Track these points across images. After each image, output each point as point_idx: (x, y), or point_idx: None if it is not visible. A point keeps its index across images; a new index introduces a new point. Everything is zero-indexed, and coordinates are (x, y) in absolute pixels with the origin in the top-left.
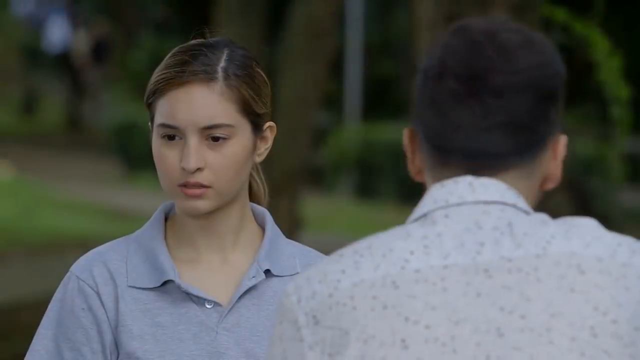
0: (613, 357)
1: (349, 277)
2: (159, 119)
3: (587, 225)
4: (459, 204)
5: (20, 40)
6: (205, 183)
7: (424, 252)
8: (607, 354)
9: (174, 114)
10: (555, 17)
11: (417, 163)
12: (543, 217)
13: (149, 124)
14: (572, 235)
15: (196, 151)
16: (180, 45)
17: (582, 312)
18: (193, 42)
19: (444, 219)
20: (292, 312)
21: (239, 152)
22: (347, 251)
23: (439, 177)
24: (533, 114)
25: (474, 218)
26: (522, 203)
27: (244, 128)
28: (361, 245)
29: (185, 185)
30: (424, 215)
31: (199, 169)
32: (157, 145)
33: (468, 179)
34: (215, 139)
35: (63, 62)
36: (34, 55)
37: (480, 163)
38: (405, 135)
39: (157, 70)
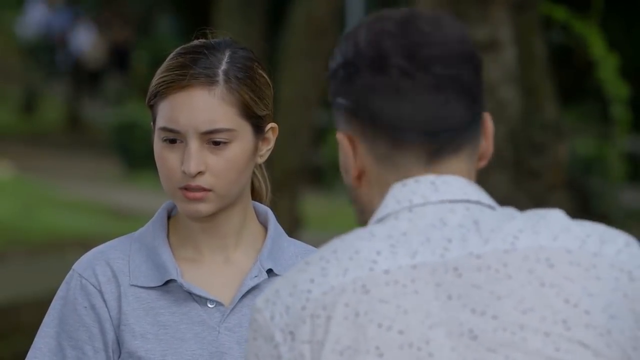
0: (589, 348)
1: (318, 285)
2: (160, 122)
3: (555, 217)
4: (423, 204)
5: (29, 43)
6: (206, 186)
7: (390, 252)
8: (582, 345)
9: (175, 118)
10: (555, 15)
11: (358, 165)
12: (510, 211)
13: (151, 123)
14: (540, 228)
15: (197, 155)
16: (182, 46)
17: (554, 306)
18: (195, 43)
19: (407, 215)
20: (266, 329)
21: (240, 155)
22: (314, 258)
23: (395, 167)
24: (477, 84)
25: (439, 216)
26: (486, 198)
27: (245, 131)
28: (327, 250)
29: (186, 188)
30: (387, 216)
31: (200, 173)
32: (159, 147)
33: (430, 177)
34: (216, 143)
35: (67, 62)
36: (37, 55)
37: (442, 140)
38: (343, 142)
39: (158, 71)
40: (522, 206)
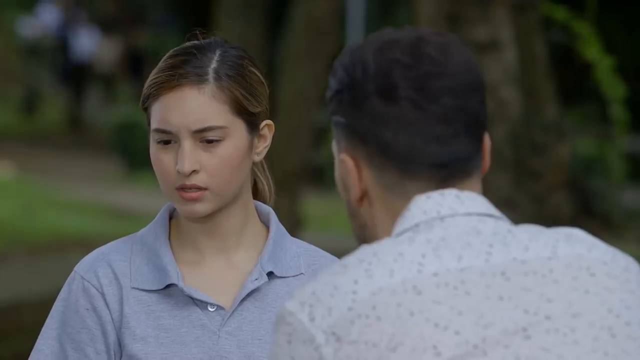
0: (632, 356)
1: (365, 286)
2: (153, 123)
3: (582, 234)
4: (452, 215)
5: (30, 44)
6: (201, 185)
7: (435, 255)
8: (626, 353)
9: (167, 118)
10: (555, 16)
11: (362, 187)
12: (537, 226)
13: (147, 126)
14: (573, 240)
15: (190, 154)
16: (174, 49)
17: (599, 313)
18: (186, 44)
19: (440, 224)
20: (305, 331)
21: (233, 152)
22: (351, 261)
23: (404, 194)
24: (483, 112)
25: (471, 225)
26: (506, 218)
27: (238, 128)
28: (365, 253)
29: (182, 188)
30: (416, 225)
31: (194, 172)
32: (154, 149)
33: (454, 192)
34: (209, 141)
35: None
36: (38, 56)
37: (452, 171)
38: (346, 164)
39: (151, 74)
40: (522, 206)
